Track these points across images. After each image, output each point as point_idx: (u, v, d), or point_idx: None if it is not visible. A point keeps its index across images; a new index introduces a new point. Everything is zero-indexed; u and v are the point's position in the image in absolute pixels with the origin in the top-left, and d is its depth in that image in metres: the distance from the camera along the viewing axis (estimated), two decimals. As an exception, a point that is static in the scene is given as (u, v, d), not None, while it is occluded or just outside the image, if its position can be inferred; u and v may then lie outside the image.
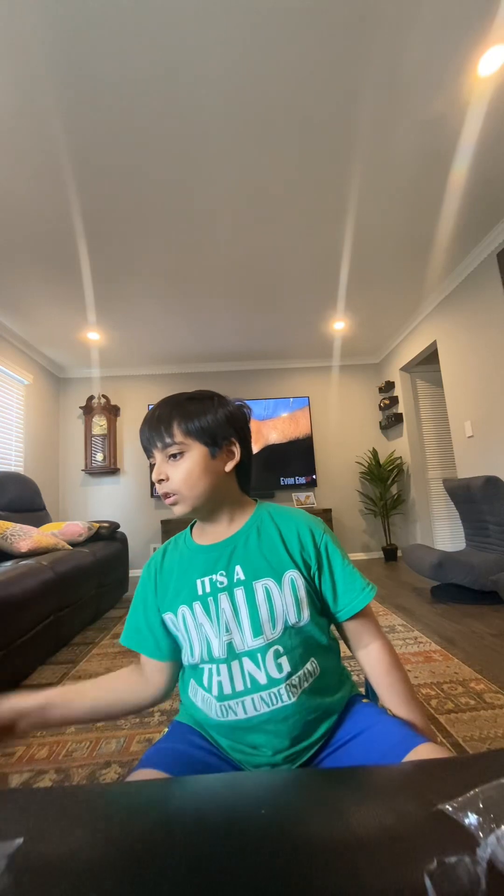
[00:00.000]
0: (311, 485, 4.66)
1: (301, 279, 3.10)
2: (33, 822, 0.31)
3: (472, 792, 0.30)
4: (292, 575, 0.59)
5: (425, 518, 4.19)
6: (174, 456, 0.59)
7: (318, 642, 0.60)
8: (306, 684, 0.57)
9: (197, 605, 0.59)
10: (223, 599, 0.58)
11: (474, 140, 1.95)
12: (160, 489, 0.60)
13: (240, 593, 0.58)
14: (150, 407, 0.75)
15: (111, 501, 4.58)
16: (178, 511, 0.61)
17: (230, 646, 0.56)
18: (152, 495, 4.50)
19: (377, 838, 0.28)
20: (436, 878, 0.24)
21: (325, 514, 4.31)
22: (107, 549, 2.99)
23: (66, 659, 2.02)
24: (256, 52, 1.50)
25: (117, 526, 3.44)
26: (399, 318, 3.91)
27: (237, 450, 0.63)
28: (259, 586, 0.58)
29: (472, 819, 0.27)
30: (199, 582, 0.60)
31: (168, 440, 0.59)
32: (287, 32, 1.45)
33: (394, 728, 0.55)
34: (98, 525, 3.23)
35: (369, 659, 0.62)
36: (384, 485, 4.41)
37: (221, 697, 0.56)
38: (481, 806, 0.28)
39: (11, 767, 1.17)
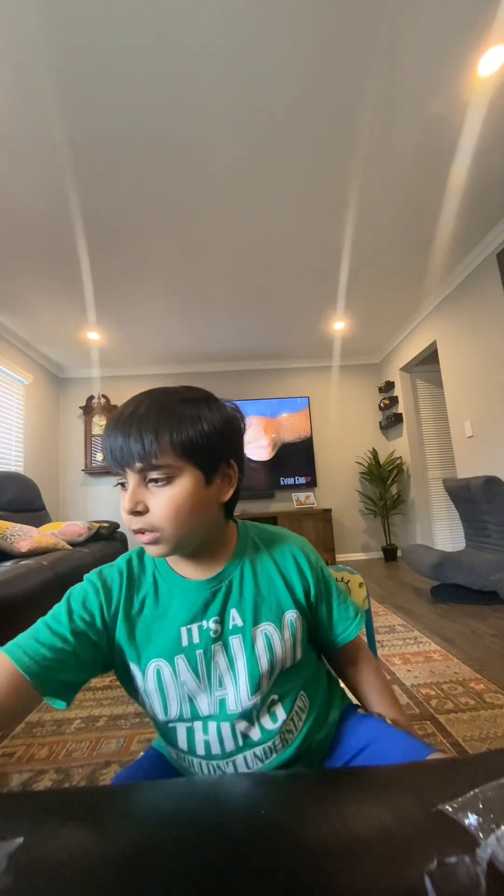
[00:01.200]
0: (311, 485, 4.66)
1: (301, 279, 3.10)
2: (33, 823, 0.31)
3: (472, 792, 0.30)
4: (291, 616, 0.52)
5: (425, 518, 4.19)
6: (156, 480, 0.45)
7: (306, 675, 0.56)
8: (300, 723, 0.52)
9: (180, 660, 0.48)
10: (217, 651, 0.48)
11: (474, 140, 1.95)
12: (132, 523, 0.45)
13: (236, 642, 0.49)
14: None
15: (111, 501, 4.57)
16: (156, 552, 0.47)
17: (223, 703, 0.48)
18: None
19: (377, 838, 0.28)
20: (436, 878, 0.24)
21: (325, 515, 4.31)
22: (107, 549, 2.99)
23: (66, 659, 2.02)
24: (256, 52, 1.50)
25: (117, 526, 3.44)
26: (399, 319, 3.91)
27: (235, 474, 0.51)
28: (259, 633, 0.50)
29: (472, 819, 0.27)
30: (184, 630, 0.48)
31: (154, 461, 0.44)
32: (287, 32, 1.45)
33: (401, 740, 0.52)
34: (98, 525, 3.23)
35: (358, 673, 0.62)
36: (384, 485, 4.41)
37: (209, 757, 0.49)
38: (481, 806, 0.28)
39: (11, 767, 1.17)
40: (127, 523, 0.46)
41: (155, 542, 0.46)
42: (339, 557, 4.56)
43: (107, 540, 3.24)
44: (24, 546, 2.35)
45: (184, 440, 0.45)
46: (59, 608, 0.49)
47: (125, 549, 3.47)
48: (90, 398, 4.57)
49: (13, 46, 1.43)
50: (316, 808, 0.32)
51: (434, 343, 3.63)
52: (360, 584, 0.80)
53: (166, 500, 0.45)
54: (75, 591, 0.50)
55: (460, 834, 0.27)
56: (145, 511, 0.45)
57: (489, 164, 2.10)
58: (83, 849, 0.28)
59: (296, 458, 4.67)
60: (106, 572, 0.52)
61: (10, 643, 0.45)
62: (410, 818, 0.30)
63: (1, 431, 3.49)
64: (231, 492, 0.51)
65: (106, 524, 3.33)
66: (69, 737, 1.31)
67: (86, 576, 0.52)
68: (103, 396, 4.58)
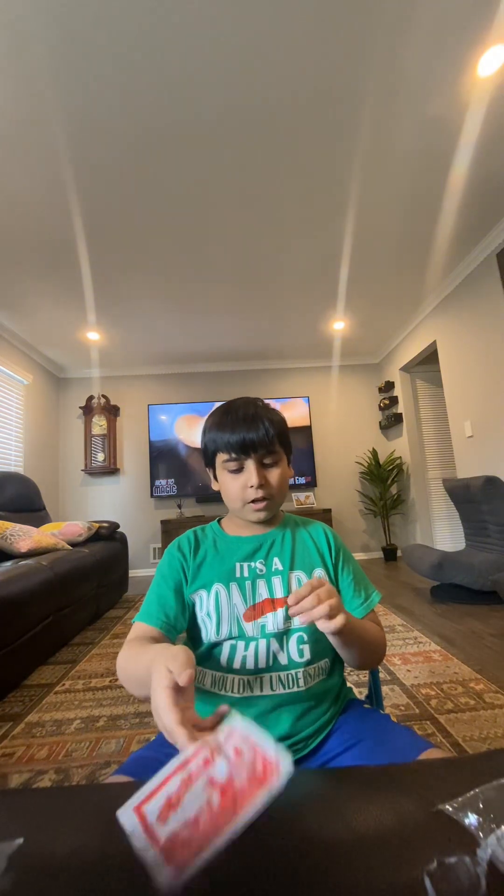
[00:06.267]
0: (311, 485, 4.66)
1: (301, 279, 3.10)
2: (33, 822, 0.31)
3: (472, 792, 0.30)
4: (319, 572, 0.65)
5: (425, 518, 4.19)
6: (270, 463, 0.64)
7: (327, 643, 0.60)
8: (319, 678, 0.61)
9: (233, 586, 0.63)
10: (261, 585, 0.63)
11: (474, 140, 1.95)
12: (256, 494, 0.63)
13: (277, 581, 0.63)
14: (212, 407, 0.76)
15: (111, 501, 4.58)
16: (265, 515, 0.65)
17: (263, 627, 0.60)
18: (152, 495, 4.50)
19: (377, 838, 0.28)
20: (436, 878, 0.24)
21: (325, 515, 4.31)
22: (107, 549, 2.99)
23: (66, 659, 2.02)
24: (257, 52, 1.50)
25: (117, 526, 3.44)
26: (399, 319, 3.91)
27: (292, 458, 0.72)
28: (294, 577, 0.64)
29: (472, 819, 0.27)
30: (238, 565, 0.64)
31: (271, 447, 0.63)
32: (287, 33, 1.45)
33: (400, 734, 0.55)
34: (98, 525, 3.23)
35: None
36: (384, 485, 4.40)
37: (243, 671, 0.59)
38: (481, 806, 0.28)
39: (11, 767, 1.17)
40: (249, 495, 0.63)
41: (267, 507, 0.64)
42: (339, 557, 4.56)
43: (107, 540, 3.23)
44: (24, 546, 2.35)
45: (280, 432, 0.64)
46: (160, 569, 0.67)
47: (125, 549, 3.47)
48: (90, 398, 4.57)
49: (13, 45, 1.43)
50: (316, 808, 0.32)
51: (434, 343, 3.63)
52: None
53: (276, 476, 0.64)
54: (165, 556, 0.69)
55: (460, 834, 0.27)
56: (266, 484, 0.63)
57: (489, 164, 2.10)
58: (83, 848, 0.28)
59: (295, 458, 4.66)
60: (179, 540, 0.70)
61: (139, 615, 0.63)
62: (410, 818, 0.30)
63: (1, 431, 3.48)
64: (292, 471, 0.70)
65: (106, 524, 3.32)
66: (69, 737, 1.31)
67: (168, 546, 0.70)
68: (103, 396, 4.58)
